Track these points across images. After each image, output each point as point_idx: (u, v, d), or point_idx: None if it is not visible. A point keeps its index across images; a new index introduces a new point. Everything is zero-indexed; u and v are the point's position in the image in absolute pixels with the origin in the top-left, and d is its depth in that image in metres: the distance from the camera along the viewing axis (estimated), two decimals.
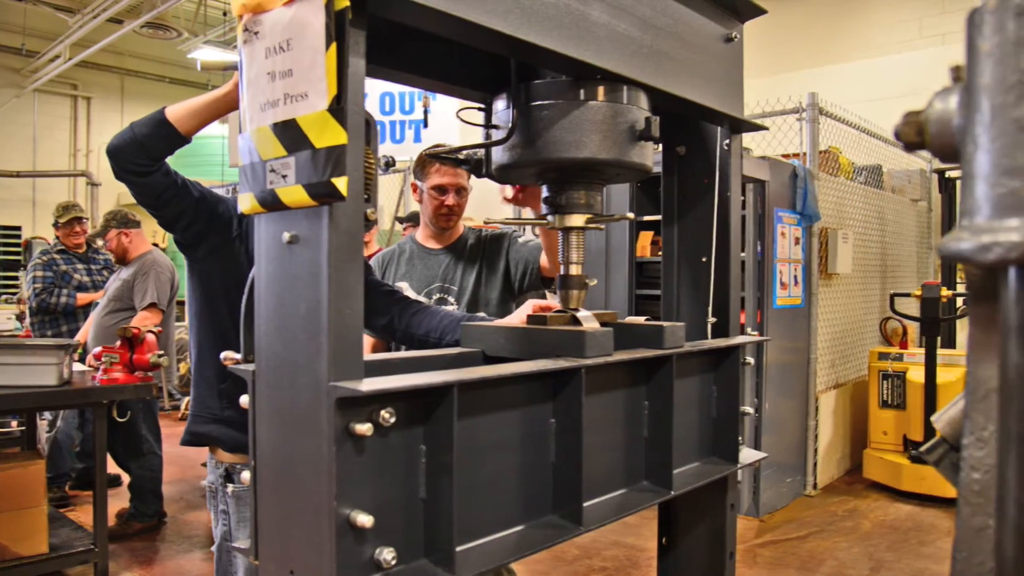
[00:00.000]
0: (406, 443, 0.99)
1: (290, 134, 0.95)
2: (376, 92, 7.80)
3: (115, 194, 11.50)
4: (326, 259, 0.91)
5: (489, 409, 1.10)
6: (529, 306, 1.48)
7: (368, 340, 2.20)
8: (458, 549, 1.02)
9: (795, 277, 4.50)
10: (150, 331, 3.14)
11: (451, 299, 2.15)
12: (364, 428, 0.90)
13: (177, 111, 1.63)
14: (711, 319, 1.65)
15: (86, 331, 4.37)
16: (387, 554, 0.94)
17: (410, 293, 2.17)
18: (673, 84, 1.40)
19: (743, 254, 4.32)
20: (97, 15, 8.50)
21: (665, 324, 1.37)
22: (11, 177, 10.62)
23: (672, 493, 1.37)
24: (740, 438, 1.61)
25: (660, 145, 1.80)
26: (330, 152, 0.90)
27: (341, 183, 0.89)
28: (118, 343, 3.08)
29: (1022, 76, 0.47)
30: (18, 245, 10.86)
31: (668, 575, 1.79)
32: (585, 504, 1.22)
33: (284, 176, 0.96)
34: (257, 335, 1.04)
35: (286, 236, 0.97)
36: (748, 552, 3.69)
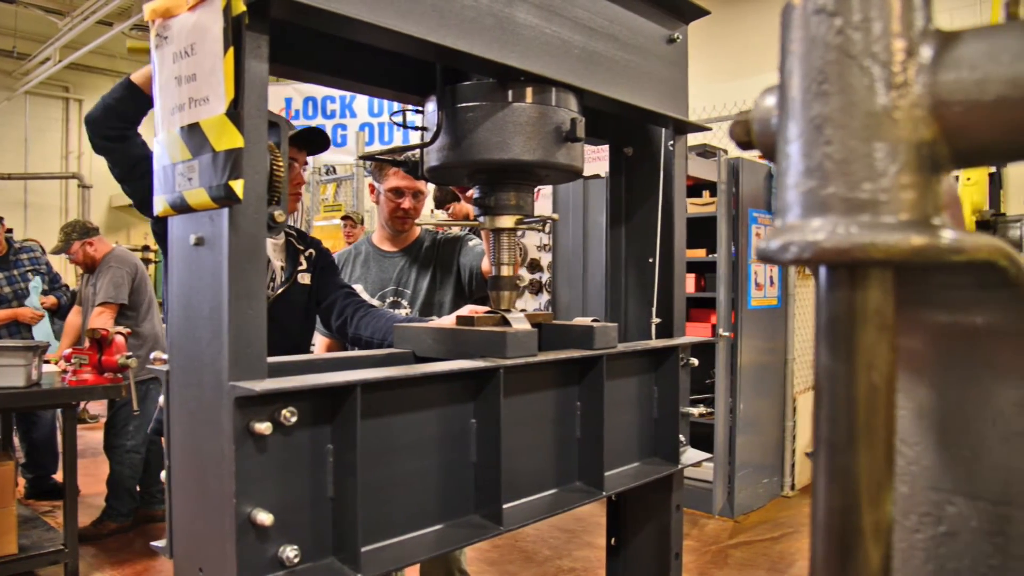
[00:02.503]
0: (312, 442, 0.99)
1: (195, 138, 0.96)
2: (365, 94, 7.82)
3: (107, 196, 11.53)
4: (226, 260, 0.92)
5: (404, 409, 1.10)
6: (466, 308, 1.49)
7: (324, 341, 2.21)
8: (368, 547, 1.03)
9: (771, 278, 4.51)
10: (119, 332, 3.15)
11: (404, 302, 2.16)
12: (263, 427, 0.91)
13: (141, 75, 1.71)
14: (655, 319, 1.66)
15: (68, 341, 4.32)
16: (290, 552, 0.95)
17: (364, 296, 2.19)
18: (607, 86, 1.41)
19: (716, 255, 4.34)
20: (86, 17, 8.51)
21: (596, 325, 1.38)
22: (3, 180, 10.64)
23: (604, 494, 1.37)
24: (683, 438, 1.62)
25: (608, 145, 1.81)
26: (228, 155, 0.91)
27: (238, 186, 0.90)
28: (87, 344, 3.09)
29: (818, 75, 0.48)
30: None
31: (616, 575, 1.80)
32: (510, 504, 1.23)
33: (190, 179, 0.97)
34: (169, 335, 1.05)
35: (192, 238, 0.98)
36: (720, 553, 3.69)
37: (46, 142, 11.48)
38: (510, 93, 1.26)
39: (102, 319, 3.74)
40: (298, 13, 0.96)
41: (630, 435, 1.53)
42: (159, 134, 1.04)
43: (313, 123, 8.58)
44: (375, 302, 2.18)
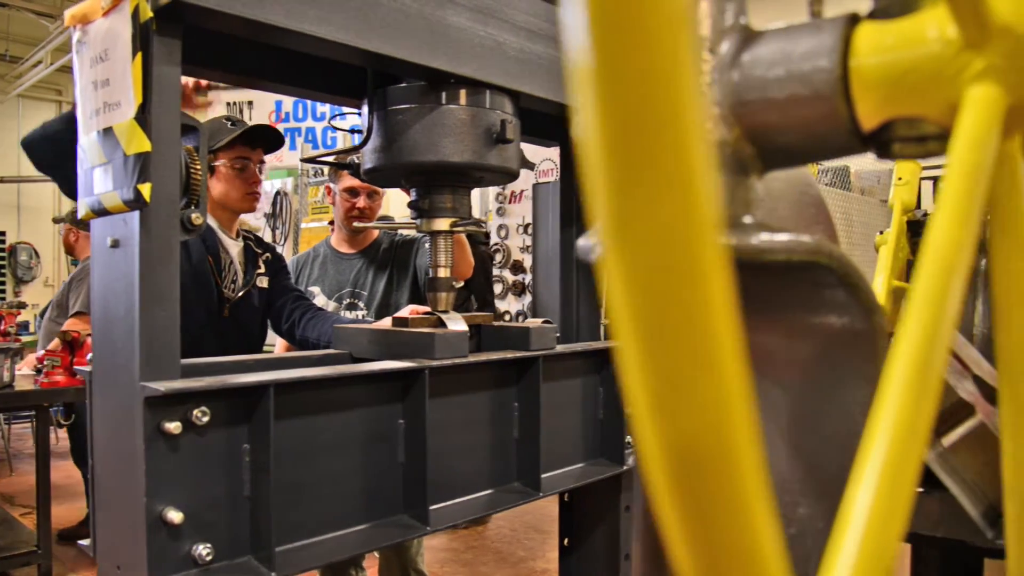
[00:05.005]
0: (228, 442, 1.01)
1: (109, 142, 0.97)
2: None
3: None
4: (138, 263, 0.94)
5: (327, 409, 1.11)
6: (406, 309, 1.50)
7: (282, 342, 2.22)
8: (284, 547, 1.04)
9: None
10: (91, 335, 3.15)
11: (361, 304, 2.18)
12: (173, 427, 0.93)
13: None
14: (604, 320, 1.67)
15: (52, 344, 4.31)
16: (203, 550, 0.96)
17: (321, 298, 2.20)
18: (546, 88, 1.41)
19: None
20: None
21: (533, 326, 1.39)
22: None
23: (540, 495, 1.38)
24: (630, 439, 1.63)
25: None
26: (137, 159, 0.92)
27: (145, 190, 0.91)
28: (60, 347, 3.10)
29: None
30: (2, 250, 10.93)
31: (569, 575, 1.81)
32: (439, 504, 1.24)
33: (105, 182, 0.99)
34: (93, 337, 1.06)
35: (109, 241, 0.99)
36: None
37: None
38: (442, 95, 1.27)
39: (77, 323, 3.75)
40: (211, 19, 0.97)
41: (574, 436, 1.54)
42: (81, 139, 1.06)
43: (303, 125, 8.59)
44: (332, 304, 2.19)
